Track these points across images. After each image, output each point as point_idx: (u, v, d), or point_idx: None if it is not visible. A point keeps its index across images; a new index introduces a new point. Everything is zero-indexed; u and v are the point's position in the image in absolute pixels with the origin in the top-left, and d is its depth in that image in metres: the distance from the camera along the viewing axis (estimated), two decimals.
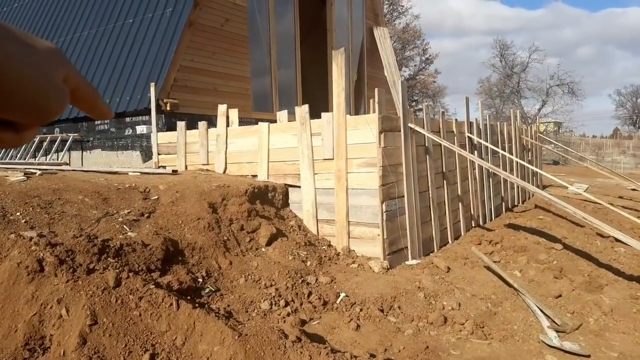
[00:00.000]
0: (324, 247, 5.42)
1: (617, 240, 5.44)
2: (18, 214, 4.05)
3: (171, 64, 8.12)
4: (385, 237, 5.17)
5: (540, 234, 6.44)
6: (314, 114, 5.76)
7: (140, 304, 3.17)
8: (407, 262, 5.37)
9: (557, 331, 3.85)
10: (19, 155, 9.16)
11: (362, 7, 13.59)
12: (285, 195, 6.00)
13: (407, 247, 5.48)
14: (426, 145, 6.11)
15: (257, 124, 6.34)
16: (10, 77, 0.38)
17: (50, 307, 2.99)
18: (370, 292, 4.34)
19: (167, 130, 7.77)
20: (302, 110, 5.80)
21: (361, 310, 4.03)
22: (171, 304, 3.19)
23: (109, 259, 3.60)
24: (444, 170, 6.58)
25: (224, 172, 6.63)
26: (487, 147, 7.86)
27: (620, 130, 52.36)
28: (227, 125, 6.70)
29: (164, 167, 7.29)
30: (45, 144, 9.28)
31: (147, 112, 7.94)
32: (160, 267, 3.95)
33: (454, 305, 4.24)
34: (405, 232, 5.48)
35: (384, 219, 5.17)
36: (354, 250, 5.35)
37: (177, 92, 8.25)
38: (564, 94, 40.02)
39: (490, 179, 8.09)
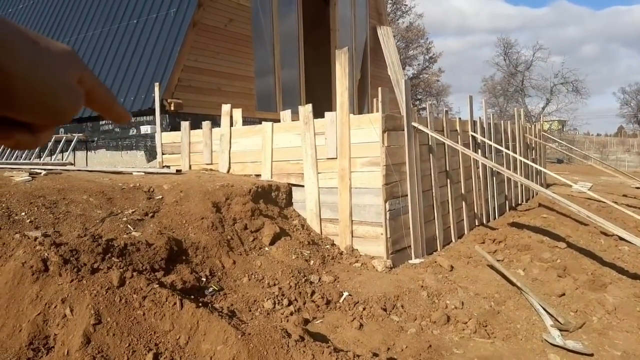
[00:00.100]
0: (327, 246, 5.43)
1: (621, 238, 5.43)
2: (23, 213, 4.08)
3: (175, 64, 8.15)
4: (388, 236, 5.17)
5: (544, 232, 6.42)
6: (318, 113, 5.76)
7: (144, 303, 3.18)
8: (410, 261, 5.38)
9: (560, 330, 3.84)
10: (24, 156, 9.21)
11: (365, 6, 13.58)
12: (289, 194, 6.01)
13: (410, 246, 5.49)
14: (430, 144, 6.11)
15: (260, 123, 6.36)
16: (23, 79, 0.39)
17: (55, 307, 3.01)
18: (374, 291, 4.35)
19: (171, 130, 7.80)
20: (306, 109, 5.81)
21: (364, 309, 4.04)
22: (175, 304, 3.21)
23: (113, 258, 3.62)
24: (448, 169, 6.57)
25: (228, 171, 6.65)
26: (490, 145, 7.84)
27: (624, 129, 52.13)
28: (231, 125, 6.71)
29: (168, 166, 7.32)
30: (50, 144, 9.34)
31: (152, 112, 7.97)
32: (164, 267, 3.97)
33: (457, 304, 4.24)
34: (409, 231, 5.49)
35: (387, 218, 5.17)
36: (357, 249, 5.35)
37: (181, 92, 8.28)
38: (568, 92, 39.81)
39: (494, 178, 8.07)
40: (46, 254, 3.32)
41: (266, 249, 4.91)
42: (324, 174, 5.67)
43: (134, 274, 3.43)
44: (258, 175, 6.30)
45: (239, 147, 6.58)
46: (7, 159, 9.03)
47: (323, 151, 5.63)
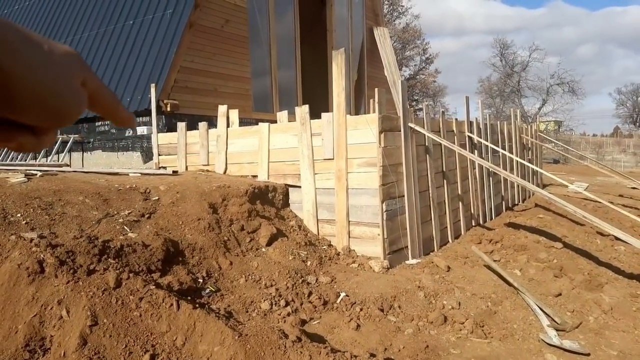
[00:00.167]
0: (324, 247, 5.43)
1: (617, 238, 5.45)
2: (19, 215, 4.06)
3: (171, 65, 8.13)
4: (385, 236, 5.17)
5: (541, 232, 6.44)
6: (314, 114, 5.76)
7: (141, 304, 3.18)
8: (407, 262, 5.38)
9: (557, 330, 3.85)
10: (19, 157, 9.18)
11: (362, 7, 13.59)
12: (286, 195, 6.01)
13: (407, 246, 5.49)
14: (426, 144, 6.12)
15: (257, 124, 6.35)
16: (23, 79, 0.39)
17: (51, 308, 3.00)
18: (371, 291, 4.35)
19: (167, 131, 7.79)
20: (302, 110, 5.80)
21: (361, 309, 4.04)
22: (171, 305, 3.20)
23: (109, 259, 3.61)
24: (444, 169, 6.58)
25: (225, 172, 6.64)
26: (487, 146, 7.86)
27: (620, 129, 52.32)
28: (228, 125, 6.71)
29: (165, 167, 7.31)
30: None
31: (148, 113, 7.95)
32: (161, 268, 3.96)
33: (454, 304, 4.25)
34: (406, 232, 5.49)
35: (384, 218, 5.17)
36: (354, 250, 5.35)
37: (177, 93, 8.26)
38: (564, 93, 40.01)
39: (491, 178, 8.09)
40: (42, 256, 3.31)
41: (263, 249, 4.91)
42: (320, 175, 5.67)
43: (131, 275, 3.42)
44: (255, 176, 6.29)
45: (235, 148, 6.57)
46: (2, 160, 8.99)
47: (320, 152, 5.63)
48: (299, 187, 5.87)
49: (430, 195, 6.12)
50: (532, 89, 40.59)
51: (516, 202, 9.46)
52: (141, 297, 3.22)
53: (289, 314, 3.86)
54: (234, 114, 6.73)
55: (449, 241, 6.44)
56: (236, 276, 4.36)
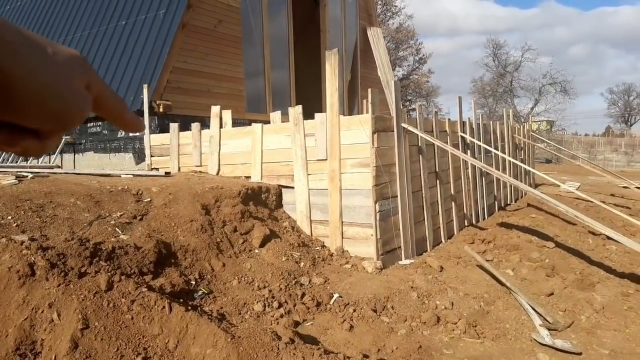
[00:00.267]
0: (318, 247, 5.43)
1: (608, 238, 5.48)
2: (9, 217, 4.03)
3: (164, 65, 8.10)
4: (378, 237, 5.18)
5: (533, 232, 6.47)
6: (308, 114, 5.76)
7: (133, 307, 3.16)
8: (400, 262, 5.39)
9: (549, 329, 3.87)
10: (10, 159, 9.11)
11: (355, 7, 13.60)
12: (279, 196, 6.00)
13: (400, 246, 5.50)
14: (419, 145, 6.13)
15: (250, 125, 6.34)
16: (24, 80, 0.38)
17: (42, 312, 2.98)
18: (364, 292, 4.35)
19: (160, 132, 7.75)
20: (296, 111, 5.80)
21: (354, 310, 4.04)
22: (163, 307, 3.18)
23: (100, 262, 3.59)
24: (437, 169, 6.60)
25: (218, 173, 6.62)
26: (479, 146, 7.89)
27: (612, 128, 52.70)
28: (221, 126, 6.69)
29: (157, 169, 7.28)
30: None
31: (140, 114, 7.89)
32: (153, 270, 3.94)
33: (446, 304, 4.26)
34: (399, 232, 5.50)
35: (378, 219, 5.18)
36: (347, 251, 5.35)
37: (170, 93, 8.23)
38: (557, 93, 40.31)
39: (483, 178, 8.12)
40: (33, 258, 3.28)
41: (256, 251, 4.89)
42: (314, 176, 5.66)
43: (122, 277, 3.40)
44: (248, 177, 6.28)
45: (228, 149, 6.55)
46: None
47: (313, 152, 5.63)
48: (292, 188, 5.86)
49: (423, 195, 6.13)
50: (525, 89, 40.87)
51: (509, 202, 9.50)
52: (133, 300, 3.20)
53: (282, 316, 3.86)
54: (227, 115, 6.71)
55: (442, 241, 6.46)
56: (229, 278, 4.34)
